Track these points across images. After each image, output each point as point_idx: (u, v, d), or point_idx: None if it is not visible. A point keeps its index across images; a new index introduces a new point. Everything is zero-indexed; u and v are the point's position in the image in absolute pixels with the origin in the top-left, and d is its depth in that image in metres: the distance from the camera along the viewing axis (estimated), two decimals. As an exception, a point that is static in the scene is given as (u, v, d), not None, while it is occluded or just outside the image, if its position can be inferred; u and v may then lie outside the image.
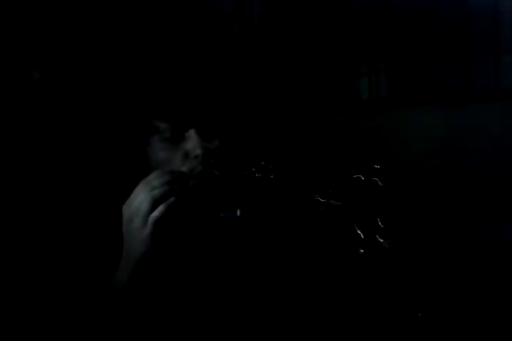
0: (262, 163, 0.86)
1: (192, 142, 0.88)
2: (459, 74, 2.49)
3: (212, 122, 0.90)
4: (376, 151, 2.60)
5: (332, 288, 0.97)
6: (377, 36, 2.84)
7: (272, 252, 0.95)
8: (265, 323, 0.91)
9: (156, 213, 0.78)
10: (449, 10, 2.49)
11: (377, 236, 0.76)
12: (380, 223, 0.76)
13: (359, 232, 0.77)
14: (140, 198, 0.79)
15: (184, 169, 0.87)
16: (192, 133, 0.88)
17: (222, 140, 0.91)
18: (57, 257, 0.88)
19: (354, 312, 0.98)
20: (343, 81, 3.09)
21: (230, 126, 0.93)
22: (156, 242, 0.78)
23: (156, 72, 0.91)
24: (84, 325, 0.80)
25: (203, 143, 0.88)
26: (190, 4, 2.49)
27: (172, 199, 0.79)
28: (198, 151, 0.87)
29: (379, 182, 0.77)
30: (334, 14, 3.03)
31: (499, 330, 1.66)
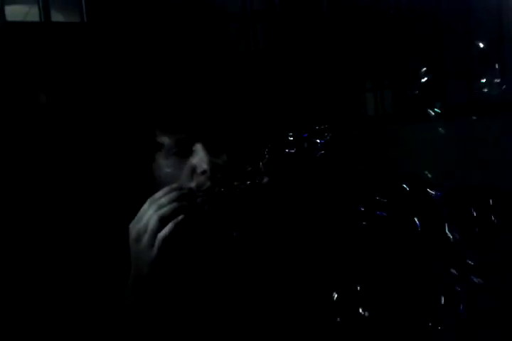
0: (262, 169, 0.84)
1: (199, 157, 0.86)
2: (465, 88, 2.49)
3: (219, 137, 0.89)
4: (384, 164, 2.58)
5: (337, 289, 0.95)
6: (382, 53, 2.85)
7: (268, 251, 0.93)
8: (263, 322, 0.89)
9: (164, 232, 0.76)
10: (454, 26, 2.50)
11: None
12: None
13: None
14: (147, 216, 0.78)
15: (191, 185, 0.86)
16: (199, 148, 0.87)
17: (229, 155, 0.90)
18: (64, 277, 0.87)
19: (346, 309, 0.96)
20: (349, 97, 3.09)
21: (236, 141, 0.92)
22: (164, 261, 0.77)
23: (161, 87, 0.90)
24: (90, 330, 0.78)
25: (210, 158, 0.86)
26: (196, 22, 2.51)
27: (180, 217, 0.77)
28: (205, 166, 0.85)
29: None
30: (340, 33, 3.05)
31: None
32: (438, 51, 2.57)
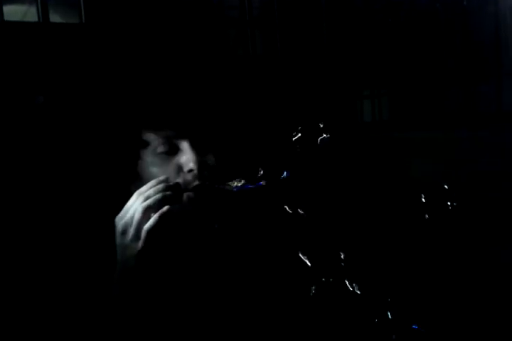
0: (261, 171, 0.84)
1: (186, 156, 0.86)
2: (462, 97, 2.49)
3: (206, 135, 0.89)
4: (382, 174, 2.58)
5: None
6: (379, 61, 2.86)
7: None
8: (251, 316, 0.88)
9: (149, 223, 0.76)
10: (452, 34, 2.51)
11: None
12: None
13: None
14: (133, 208, 0.78)
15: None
16: (186, 146, 0.87)
17: (216, 153, 0.90)
18: (49, 271, 0.86)
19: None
20: (346, 104, 3.09)
21: (224, 140, 0.92)
22: (150, 254, 0.77)
23: (149, 85, 0.90)
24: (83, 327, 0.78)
25: (197, 156, 0.86)
26: (195, 25, 2.51)
27: (166, 208, 0.77)
28: (192, 165, 0.86)
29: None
30: (337, 39, 3.06)
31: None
32: (436, 59, 2.57)
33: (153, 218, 0.77)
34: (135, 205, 0.78)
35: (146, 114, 0.87)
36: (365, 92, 3.02)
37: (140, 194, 0.79)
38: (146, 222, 0.77)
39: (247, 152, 0.99)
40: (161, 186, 0.80)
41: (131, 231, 0.77)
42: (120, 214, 0.79)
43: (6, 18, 2.14)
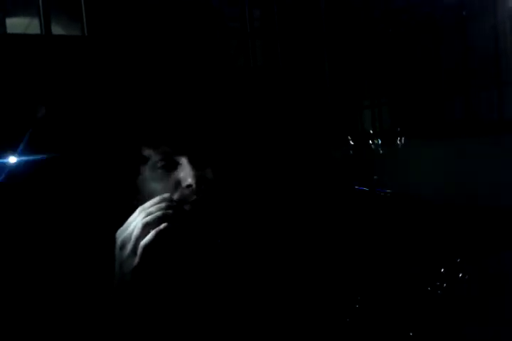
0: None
1: (184, 171, 0.87)
2: (463, 106, 2.50)
3: (204, 151, 0.90)
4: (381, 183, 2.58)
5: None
6: (379, 70, 2.87)
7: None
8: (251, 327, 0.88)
9: (146, 239, 0.77)
10: (452, 43, 2.52)
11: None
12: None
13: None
14: (134, 224, 0.79)
15: (175, 198, 0.86)
16: (184, 162, 0.88)
17: (214, 168, 0.91)
18: (48, 281, 0.86)
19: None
20: (347, 114, 3.10)
21: (222, 155, 0.93)
22: (146, 271, 0.77)
23: (148, 101, 0.92)
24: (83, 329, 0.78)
25: (195, 172, 0.87)
26: (193, 35, 2.53)
27: (163, 225, 0.77)
28: (190, 180, 0.86)
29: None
30: (337, 49, 3.08)
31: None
32: (436, 68, 2.58)
33: (150, 234, 0.77)
34: (136, 221, 0.79)
35: (146, 130, 0.89)
36: (365, 102, 3.03)
37: (142, 210, 0.80)
38: (143, 238, 0.77)
39: (247, 164, 1.00)
40: (163, 204, 0.80)
41: (129, 246, 0.78)
42: (121, 229, 0.80)
43: (9, 30, 2.16)
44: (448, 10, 2.52)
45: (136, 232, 0.77)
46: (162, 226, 0.77)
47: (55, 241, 0.94)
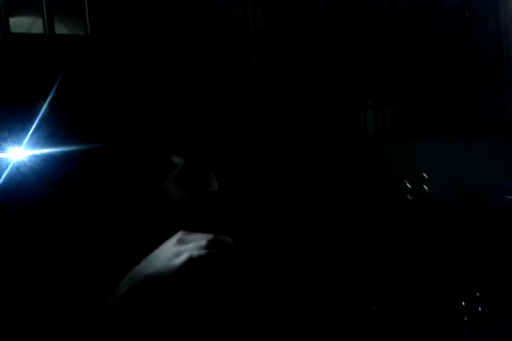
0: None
1: (210, 179, 0.91)
2: (466, 106, 2.50)
3: (224, 158, 0.93)
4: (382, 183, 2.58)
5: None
6: (382, 70, 2.88)
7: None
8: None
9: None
10: (454, 43, 2.52)
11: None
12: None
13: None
14: (175, 254, 0.77)
15: (199, 204, 0.90)
16: (208, 171, 0.91)
17: (227, 170, 0.94)
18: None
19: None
20: (349, 114, 3.11)
21: (232, 157, 0.96)
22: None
23: (176, 110, 0.94)
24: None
25: (217, 177, 0.91)
26: (199, 42, 2.54)
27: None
28: (216, 186, 0.90)
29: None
30: (340, 49, 3.08)
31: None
32: (439, 68, 2.59)
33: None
34: (181, 253, 0.78)
35: (172, 137, 0.92)
36: (367, 102, 3.03)
37: (181, 242, 0.79)
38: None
39: (254, 165, 1.02)
40: (203, 242, 0.79)
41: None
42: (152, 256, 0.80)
43: (12, 30, 2.16)
44: (450, 10, 2.52)
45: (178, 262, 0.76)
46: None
47: (78, 245, 0.93)
